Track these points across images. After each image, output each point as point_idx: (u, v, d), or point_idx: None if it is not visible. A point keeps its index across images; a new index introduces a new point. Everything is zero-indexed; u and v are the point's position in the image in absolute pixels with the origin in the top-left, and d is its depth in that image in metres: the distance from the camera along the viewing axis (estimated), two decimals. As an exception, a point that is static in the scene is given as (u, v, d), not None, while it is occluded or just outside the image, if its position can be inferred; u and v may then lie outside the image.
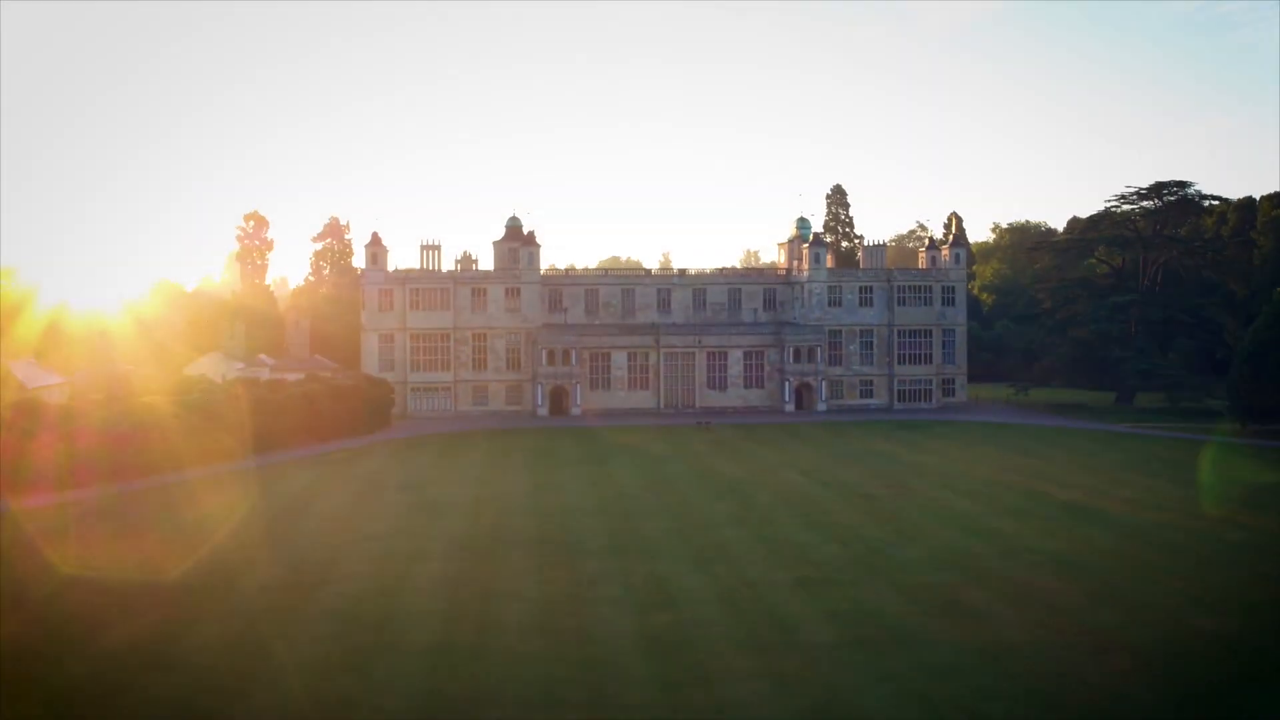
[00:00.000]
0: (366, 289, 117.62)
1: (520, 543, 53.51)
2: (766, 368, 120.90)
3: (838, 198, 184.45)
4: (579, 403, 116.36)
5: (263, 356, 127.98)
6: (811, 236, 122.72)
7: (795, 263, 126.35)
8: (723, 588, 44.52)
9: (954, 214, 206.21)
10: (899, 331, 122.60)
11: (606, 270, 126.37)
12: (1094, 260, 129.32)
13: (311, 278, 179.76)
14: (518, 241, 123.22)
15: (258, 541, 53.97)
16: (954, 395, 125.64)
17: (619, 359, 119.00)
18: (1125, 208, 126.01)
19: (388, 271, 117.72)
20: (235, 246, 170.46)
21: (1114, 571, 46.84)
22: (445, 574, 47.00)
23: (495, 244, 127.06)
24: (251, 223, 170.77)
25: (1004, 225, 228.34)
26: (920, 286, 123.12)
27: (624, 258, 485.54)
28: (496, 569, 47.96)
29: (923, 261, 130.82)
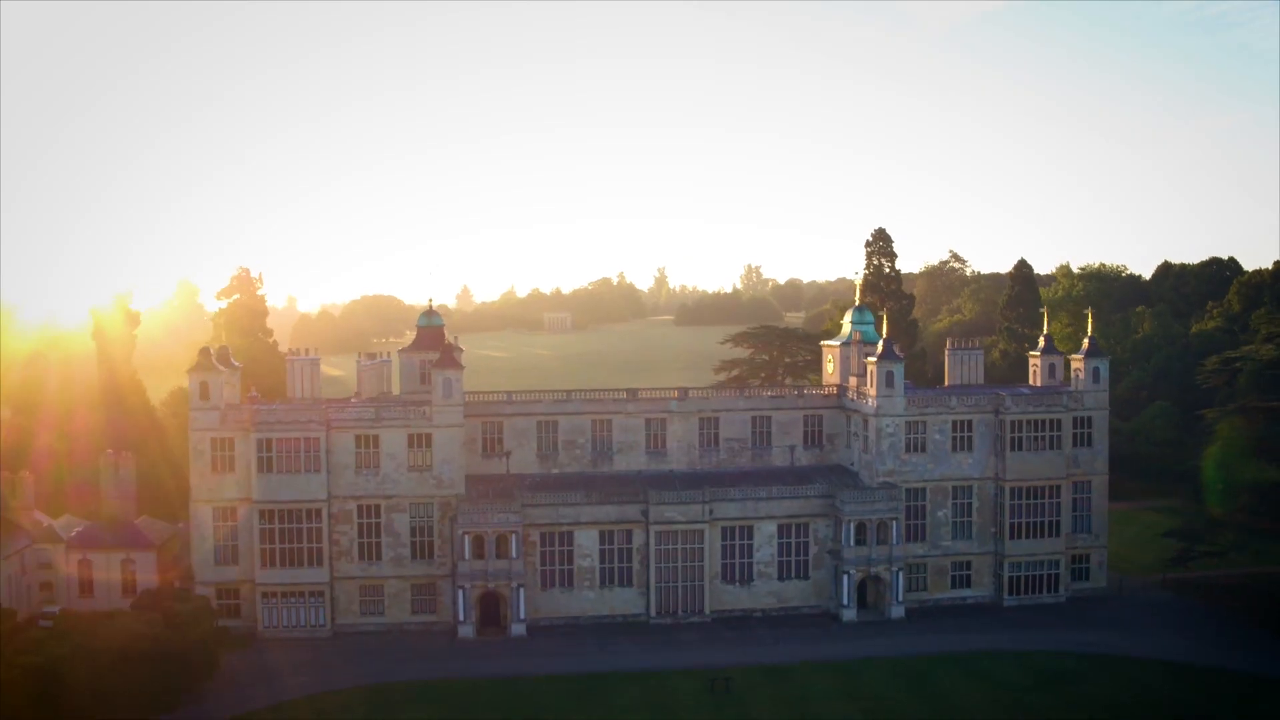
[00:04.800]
0: (194, 436, 75.66)
1: None
2: (813, 547, 79.20)
3: (880, 245, 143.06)
4: (523, 615, 74.53)
5: (58, 524, 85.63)
6: (881, 344, 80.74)
7: (854, 380, 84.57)
8: None
9: (1022, 261, 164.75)
10: (1011, 490, 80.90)
11: (569, 393, 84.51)
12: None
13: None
14: (431, 352, 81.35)
15: None
16: (1088, 578, 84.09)
17: (586, 540, 77.20)
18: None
19: (224, 407, 75.69)
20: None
21: None
22: None
23: (402, 354, 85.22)
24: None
25: (1075, 269, 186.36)
26: (1043, 421, 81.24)
27: (614, 279, 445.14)
28: None
29: (1035, 374, 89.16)
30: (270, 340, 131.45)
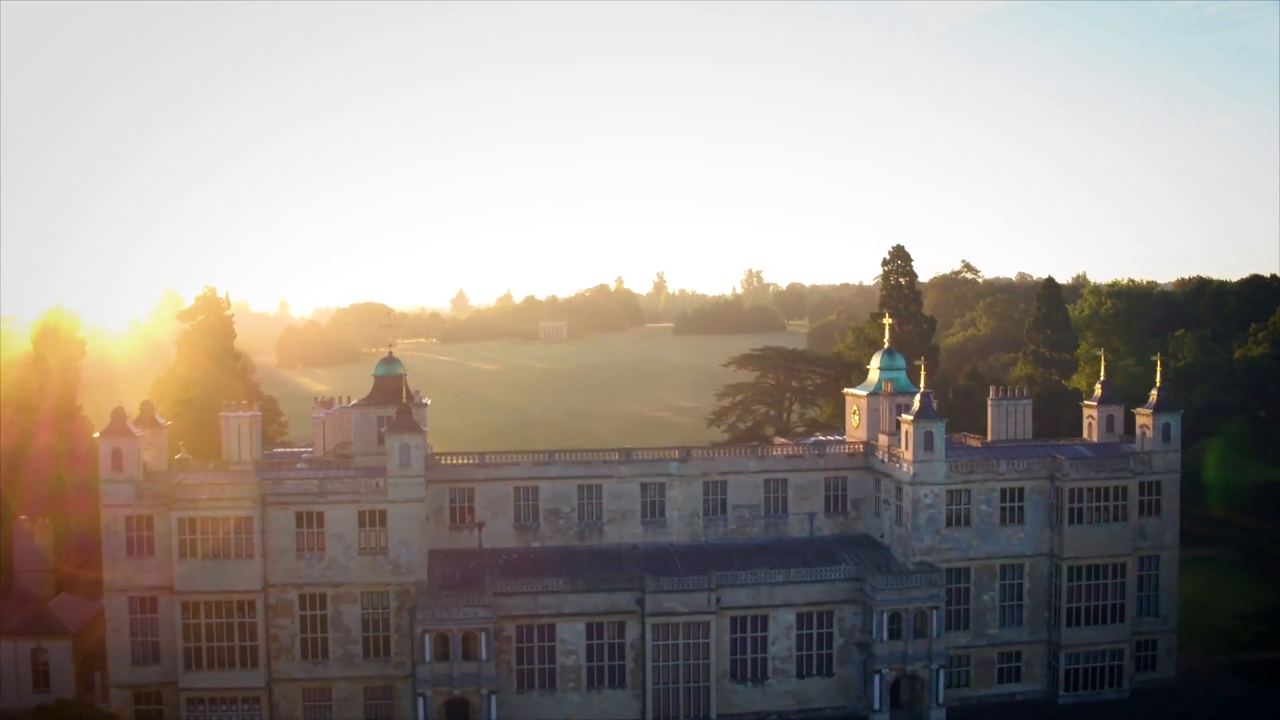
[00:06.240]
0: (106, 513, 63.84)
1: None
2: (838, 639, 67.44)
3: (898, 264, 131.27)
4: (496, 727, 62.79)
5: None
6: (918, 399, 68.93)
7: (884, 438, 72.75)
8: None
9: (1050, 279, 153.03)
10: (1069, 569, 69.15)
11: (551, 454, 72.68)
12: None
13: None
14: (390, 407, 69.36)
15: None
16: (1154, 667, 72.43)
17: (571, 634, 65.42)
18: None
19: (142, 479, 63.90)
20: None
21: None
22: None
23: (356, 409, 73.27)
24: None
25: (1104, 284, 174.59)
26: (1106, 489, 69.49)
27: (612, 285, 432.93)
28: None
29: (1091, 426, 77.35)
30: (238, 365, 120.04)
